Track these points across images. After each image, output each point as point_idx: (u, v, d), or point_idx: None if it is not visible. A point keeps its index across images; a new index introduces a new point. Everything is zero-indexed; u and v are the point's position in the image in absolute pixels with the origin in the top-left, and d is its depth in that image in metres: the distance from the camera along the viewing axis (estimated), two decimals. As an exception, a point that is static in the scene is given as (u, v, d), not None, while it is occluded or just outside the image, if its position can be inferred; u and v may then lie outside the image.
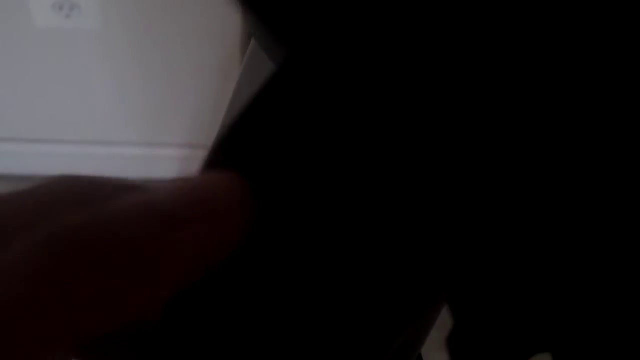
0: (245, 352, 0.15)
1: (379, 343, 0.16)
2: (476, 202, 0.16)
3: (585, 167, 0.16)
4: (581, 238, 0.18)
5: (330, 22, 0.16)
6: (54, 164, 1.37)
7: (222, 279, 0.15)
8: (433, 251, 0.16)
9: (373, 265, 0.16)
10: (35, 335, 0.11)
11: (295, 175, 0.16)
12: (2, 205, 0.14)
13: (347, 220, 0.15)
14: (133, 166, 1.37)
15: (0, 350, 0.11)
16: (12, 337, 0.11)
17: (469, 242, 0.16)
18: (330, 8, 0.16)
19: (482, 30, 0.15)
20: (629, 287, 0.18)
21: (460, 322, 0.19)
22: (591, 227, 0.17)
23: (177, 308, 0.15)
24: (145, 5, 1.16)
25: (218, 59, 1.23)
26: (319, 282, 0.16)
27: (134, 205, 0.13)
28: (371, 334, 0.16)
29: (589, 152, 0.16)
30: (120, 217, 0.13)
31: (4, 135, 1.34)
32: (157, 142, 1.35)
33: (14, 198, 0.14)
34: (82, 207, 0.13)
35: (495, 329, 0.19)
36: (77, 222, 0.12)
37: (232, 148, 0.16)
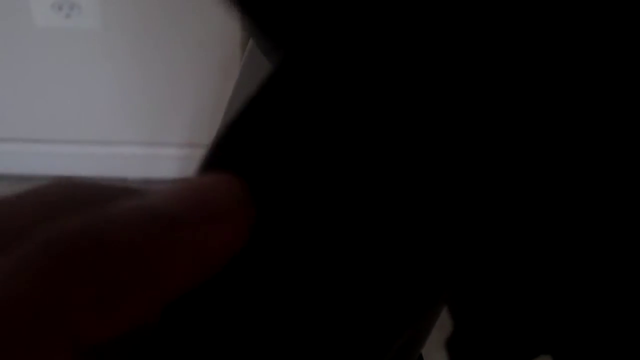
0: (246, 355, 0.15)
1: (379, 344, 0.16)
2: (477, 203, 0.16)
3: (585, 168, 0.16)
4: (582, 239, 0.18)
5: (325, 24, 0.16)
6: (54, 163, 1.37)
7: (222, 282, 0.15)
8: (433, 252, 0.16)
9: (373, 267, 0.16)
10: (34, 339, 0.11)
11: (294, 176, 0.16)
12: (2, 207, 0.14)
13: (347, 221, 0.15)
14: (133, 166, 1.37)
15: (0, 353, 0.11)
16: (12, 340, 0.11)
17: (469, 243, 0.16)
18: (326, 11, 0.16)
19: (481, 30, 0.15)
20: (630, 289, 0.18)
21: (460, 324, 0.19)
22: (592, 228, 0.17)
23: (178, 311, 0.15)
24: (145, 5, 1.16)
25: (218, 58, 1.23)
26: (319, 283, 0.15)
27: (133, 209, 0.13)
28: (371, 335, 0.16)
29: (589, 152, 0.16)
30: (119, 221, 0.13)
31: (4, 135, 1.34)
32: (157, 141, 1.35)
33: (15, 200, 0.14)
34: (81, 210, 0.13)
35: (495, 331, 0.19)
36: (76, 224, 0.12)
37: (230, 149, 0.16)
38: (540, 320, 0.19)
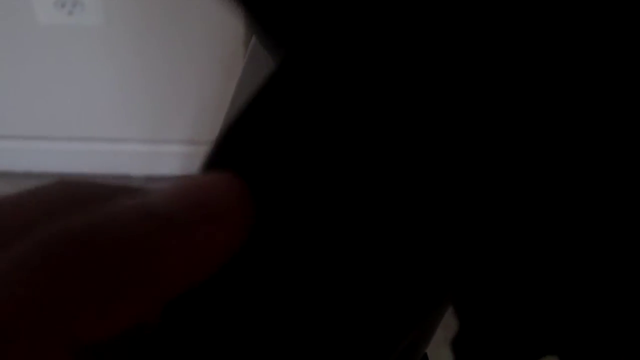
0: (247, 355, 0.15)
1: (384, 345, 0.16)
2: (481, 204, 0.16)
3: (587, 167, 0.16)
4: (587, 239, 0.17)
5: (327, 23, 0.16)
6: (56, 161, 1.37)
7: (222, 281, 0.15)
8: (438, 253, 0.16)
9: (376, 267, 0.16)
10: (31, 338, 0.11)
11: (295, 175, 0.15)
12: (3, 205, 0.14)
13: (349, 221, 0.15)
14: (136, 163, 1.37)
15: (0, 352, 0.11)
16: (8, 339, 0.11)
17: (473, 243, 0.16)
18: (328, 9, 0.16)
19: (481, 29, 0.15)
20: (636, 288, 0.18)
21: (465, 324, 0.19)
22: (596, 228, 0.17)
23: (177, 311, 0.15)
24: (148, 2, 1.16)
25: (221, 55, 1.23)
26: (321, 284, 0.15)
27: (132, 208, 0.13)
28: (376, 336, 0.16)
29: (591, 152, 0.16)
30: (116, 220, 0.13)
31: (6, 132, 1.34)
32: (159, 138, 1.35)
33: (14, 199, 0.14)
34: (80, 210, 0.13)
35: (501, 331, 0.19)
36: (76, 224, 0.12)
37: (231, 148, 0.16)
38: (547, 320, 0.19)
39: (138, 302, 0.13)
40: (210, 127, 1.29)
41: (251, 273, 0.15)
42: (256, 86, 0.16)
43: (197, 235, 0.13)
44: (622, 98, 0.15)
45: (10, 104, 1.30)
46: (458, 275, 0.17)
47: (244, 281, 0.15)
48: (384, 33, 0.15)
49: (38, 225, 0.12)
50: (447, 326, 0.22)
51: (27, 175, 1.36)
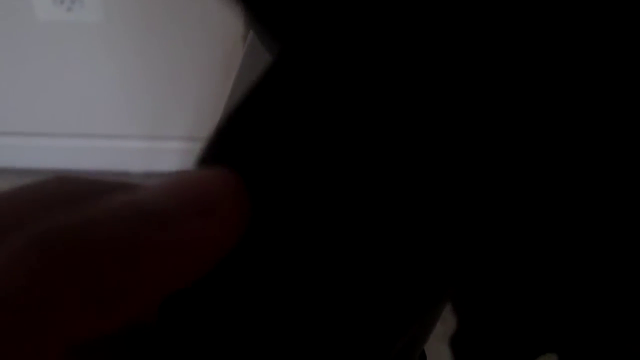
0: (245, 353, 0.15)
1: (382, 342, 0.16)
2: (481, 202, 0.16)
3: (589, 168, 0.16)
4: (587, 237, 0.17)
5: (324, 18, 0.16)
6: (56, 157, 1.37)
7: (219, 278, 0.15)
8: (437, 250, 0.16)
9: (375, 263, 0.15)
10: (23, 336, 0.11)
11: (291, 171, 0.15)
12: None
13: (346, 217, 0.15)
14: (135, 159, 1.37)
15: None
16: (2, 338, 0.11)
17: (473, 241, 0.16)
18: (324, 5, 0.16)
19: (480, 28, 0.15)
20: (635, 287, 0.18)
21: (464, 321, 0.19)
22: (596, 227, 0.17)
23: (173, 308, 0.15)
24: (147, -2, 1.16)
25: (221, 51, 1.23)
26: (319, 280, 0.15)
27: (125, 204, 0.13)
28: (375, 333, 0.16)
29: (591, 152, 0.16)
30: (111, 217, 0.13)
31: (5, 129, 1.34)
32: (159, 135, 1.35)
33: (8, 195, 0.14)
34: (72, 207, 0.13)
35: (500, 329, 0.19)
36: (68, 221, 0.12)
37: (226, 143, 0.16)
38: (545, 317, 0.19)
39: (132, 300, 0.12)
40: (210, 123, 1.29)
41: (248, 269, 0.15)
42: (252, 80, 0.16)
43: (192, 232, 0.13)
44: (622, 98, 0.15)
45: (9, 101, 1.30)
46: (458, 272, 0.16)
47: (241, 277, 0.15)
48: (381, 29, 0.15)
49: (31, 222, 0.12)
50: (447, 321, 0.22)
51: (25, 172, 1.36)
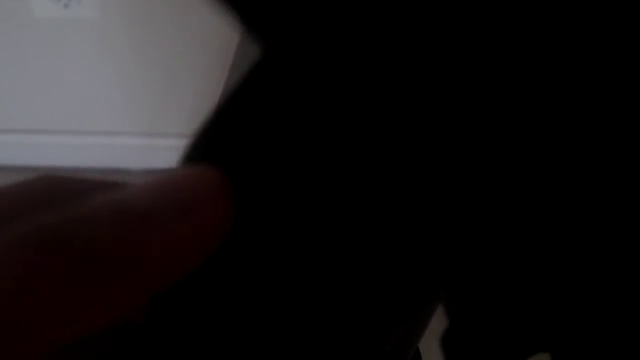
0: (233, 352, 0.15)
1: (372, 341, 0.16)
2: (473, 200, 0.16)
3: (585, 167, 0.16)
4: (580, 237, 0.17)
5: (311, 17, 0.16)
6: (53, 154, 1.37)
7: (205, 277, 0.15)
8: (429, 249, 0.16)
9: (364, 260, 0.15)
10: (4, 338, 0.11)
11: (278, 168, 0.15)
12: None
13: (335, 215, 0.15)
14: (133, 156, 1.37)
15: None
16: None
17: (466, 240, 0.16)
18: (311, 5, 0.16)
19: (480, 27, 0.15)
20: (629, 287, 0.18)
21: (455, 321, 0.19)
22: (590, 226, 0.17)
23: (160, 307, 0.15)
24: (144, -6, 1.16)
25: (218, 47, 1.23)
26: (307, 279, 0.15)
27: (110, 203, 0.13)
28: (364, 332, 0.16)
29: (589, 152, 0.16)
30: (92, 217, 0.13)
31: (3, 126, 1.34)
32: (156, 131, 1.35)
33: None
34: (56, 207, 0.13)
35: (492, 328, 0.19)
36: (53, 221, 0.12)
37: (211, 141, 0.16)
38: (539, 317, 0.19)
39: (116, 300, 0.12)
40: (207, 121, 1.29)
41: (236, 267, 0.15)
42: (240, 76, 0.16)
43: (177, 230, 0.13)
44: (622, 98, 0.15)
45: (6, 98, 1.29)
46: (450, 271, 0.16)
47: (229, 276, 0.15)
48: (369, 29, 0.15)
49: (14, 223, 0.12)
50: (442, 320, 0.22)
51: (22, 169, 1.36)
